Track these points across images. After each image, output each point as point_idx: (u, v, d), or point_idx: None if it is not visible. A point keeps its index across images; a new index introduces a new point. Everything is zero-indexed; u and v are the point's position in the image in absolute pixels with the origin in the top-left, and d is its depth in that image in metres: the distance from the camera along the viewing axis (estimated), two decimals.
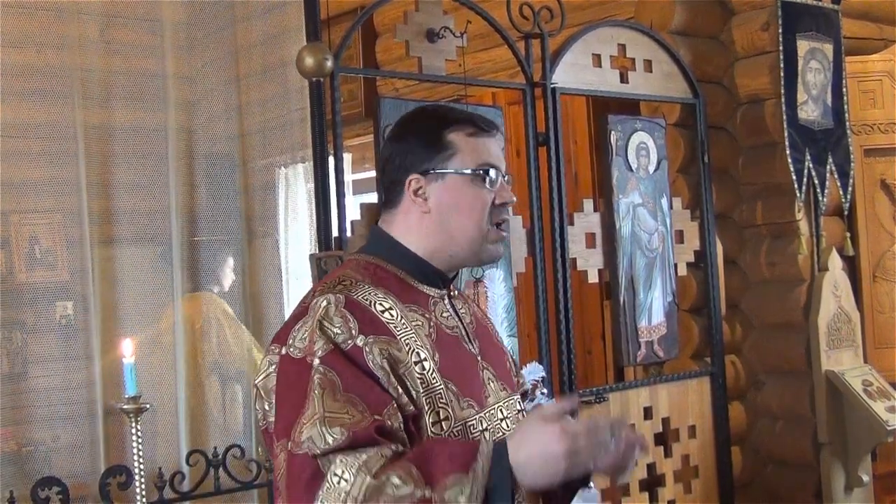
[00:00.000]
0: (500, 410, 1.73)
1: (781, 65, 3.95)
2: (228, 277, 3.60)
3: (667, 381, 3.80)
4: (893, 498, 4.20)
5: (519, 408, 1.80)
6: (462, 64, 3.25)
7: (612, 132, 3.66)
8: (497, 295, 3.27)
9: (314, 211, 3.02)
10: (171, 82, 3.39)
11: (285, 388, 1.60)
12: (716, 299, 3.97)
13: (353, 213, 3.04)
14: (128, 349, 2.29)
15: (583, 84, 3.63)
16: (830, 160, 4.06)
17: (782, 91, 3.95)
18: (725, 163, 4.19)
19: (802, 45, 4.02)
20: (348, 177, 4.05)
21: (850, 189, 4.12)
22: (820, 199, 4.02)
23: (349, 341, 1.58)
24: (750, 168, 4.19)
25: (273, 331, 1.90)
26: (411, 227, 1.74)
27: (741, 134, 4.21)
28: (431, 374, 1.63)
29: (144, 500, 2.44)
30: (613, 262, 3.63)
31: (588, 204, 3.66)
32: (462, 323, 1.77)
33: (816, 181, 4.00)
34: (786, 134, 3.93)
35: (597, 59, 3.67)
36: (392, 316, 1.64)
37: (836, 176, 4.08)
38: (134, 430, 2.33)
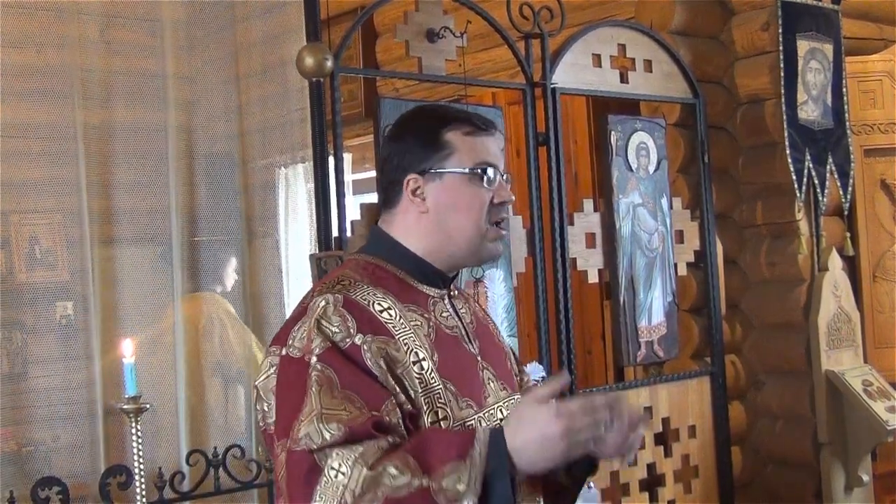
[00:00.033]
0: (500, 410, 1.73)
1: (781, 65, 3.95)
2: (231, 277, 3.60)
3: (667, 381, 3.79)
4: (893, 498, 4.20)
5: None
6: (462, 64, 3.25)
7: (612, 132, 3.66)
8: (497, 295, 3.27)
9: (314, 211, 3.02)
10: (171, 82, 3.39)
11: (285, 388, 1.60)
12: (716, 299, 3.97)
13: (353, 213, 3.04)
14: (128, 349, 2.29)
15: (583, 84, 3.63)
16: (830, 160, 4.06)
17: (782, 91, 3.95)
18: (725, 163, 4.19)
19: (802, 45, 4.01)
20: (348, 177, 4.05)
21: (850, 189, 4.12)
22: (820, 199, 4.02)
23: (347, 339, 1.58)
24: (750, 168, 4.19)
25: (273, 331, 1.90)
26: (410, 227, 1.74)
27: (741, 134, 4.21)
28: (430, 373, 1.63)
29: (144, 500, 2.44)
30: (613, 262, 3.63)
31: (588, 204, 3.66)
32: (462, 323, 1.77)
33: (816, 181, 4.00)
34: (786, 134, 3.93)
35: (597, 59, 3.67)
36: (391, 316, 1.64)
37: (836, 176, 4.08)
38: (134, 430, 2.34)
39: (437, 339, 1.68)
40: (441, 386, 1.64)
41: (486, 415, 1.70)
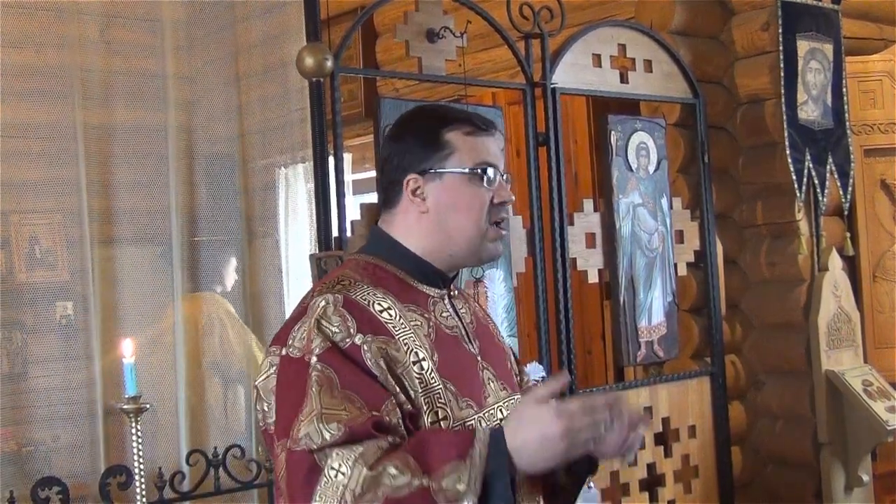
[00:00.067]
0: (500, 410, 1.73)
1: (781, 65, 3.95)
2: (231, 277, 3.60)
3: (667, 381, 3.79)
4: (893, 498, 4.20)
5: None
6: (462, 64, 3.25)
7: (612, 132, 3.66)
8: (497, 295, 3.27)
9: (314, 211, 3.02)
10: (171, 82, 3.39)
11: (285, 388, 1.60)
12: (716, 299, 3.97)
13: (353, 213, 3.04)
14: (128, 349, 2.29)
15: (583, 84, 3.63)
16: (830, 160, 4.06)
17: (782, 91, 3.95)
18: (725, 163, 4.19)
19: (802, 45, 4.01)
20: (348, 177, 4.05)
21: (850, 189, 4.12)
22: (820, 199, 4.02)
23: (347, 339, 1.58)
24: (750, 168, 4.19)
25: (273, 331, 1.90)
26: (410, 227, 1.74)
27: (741, 134, 4.21)
28: (430, 373, 1.63)
29: (144, 500, 2.44)
30: (613, 262, 3.63)
31: (588, 204, 3.66)
32: (462, 323, 1.77)
33: (816, 181, 4.00)
34: (786, 134, 3.93)
35: (597, 59, 3.67)
36: (390, 316, 1.64)
37: (836, 176, 4.08)
38: (134, 430, 2.34)
39: (437, 339, 1.68)
40: (441, 386, 1.64)
41: (486, 415, 1.70)
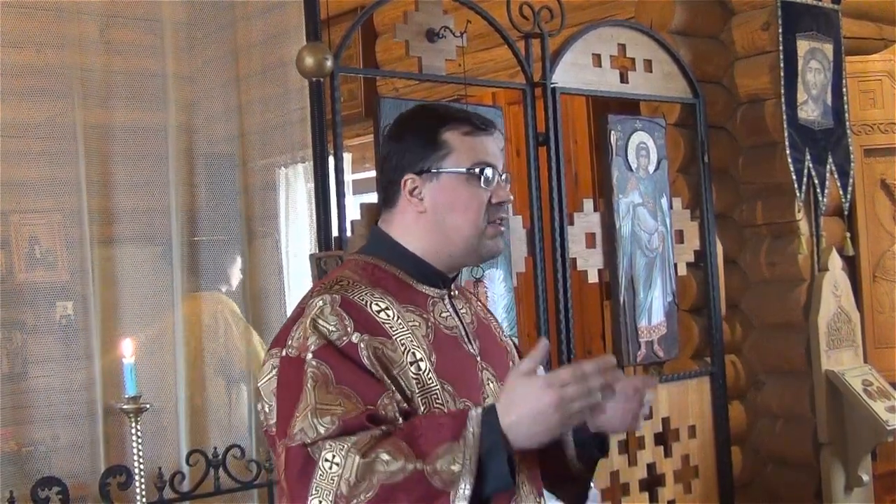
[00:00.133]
0: None
1: (781, 65, 3.95)
2: (236, 277, 3.60)
3: (667, 381, 3.79)
4: (893, 498, 4.20)
5: None
6: (462, 64, 3.25)
7: (612, 132, 3.66)
8: (497, 295, 3.26)
9: (314, 211, 3.02)
10: (171, 82, 3.38)
11: (284, 388, 1.61)
12: (716, 299, 3.96)
13: (353, 213, 3.04)
14: (128, 349, 2.29)
15: (583, 84, 3.63)
16: (830, 160, 4.06)
17: (782, 91, 3.95)
18: (725, 163, 4.19)
19: (802, 45, 4.01)
20: (348, 177, 4.05)
21: (850, 189, 4.12)
22: (820, 199, 4.02)
23: (344, 338, 1.58)
24: (750, 168, 4.19)
25: (273, 331, 1.91)
26: (409, 228, 1.74)
27: (741, 134, 4.21)
28: (427, 374, 1.63)
29: (144, 500, 2.43)
30: (613, 262, 3.63)
31: (588, 204, 3.66)
32: (462, 323, 1.77)
33: (816, 181, 4.00)
34: (786, 134, 3.93)
35: (597, 59, 3.67)
36: (388, 316, 1.64)
37: (836, 176, 4.08)
38: (134, 430, 2.33)
39: (436, 339, 1.68)
40: (438, 387, 1.63)
41: None
